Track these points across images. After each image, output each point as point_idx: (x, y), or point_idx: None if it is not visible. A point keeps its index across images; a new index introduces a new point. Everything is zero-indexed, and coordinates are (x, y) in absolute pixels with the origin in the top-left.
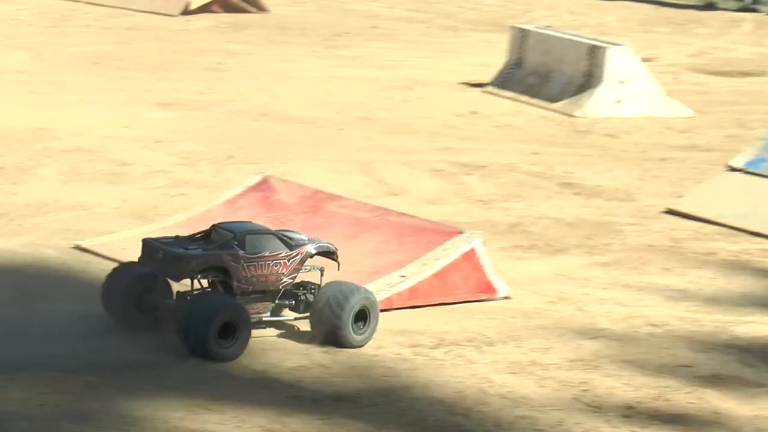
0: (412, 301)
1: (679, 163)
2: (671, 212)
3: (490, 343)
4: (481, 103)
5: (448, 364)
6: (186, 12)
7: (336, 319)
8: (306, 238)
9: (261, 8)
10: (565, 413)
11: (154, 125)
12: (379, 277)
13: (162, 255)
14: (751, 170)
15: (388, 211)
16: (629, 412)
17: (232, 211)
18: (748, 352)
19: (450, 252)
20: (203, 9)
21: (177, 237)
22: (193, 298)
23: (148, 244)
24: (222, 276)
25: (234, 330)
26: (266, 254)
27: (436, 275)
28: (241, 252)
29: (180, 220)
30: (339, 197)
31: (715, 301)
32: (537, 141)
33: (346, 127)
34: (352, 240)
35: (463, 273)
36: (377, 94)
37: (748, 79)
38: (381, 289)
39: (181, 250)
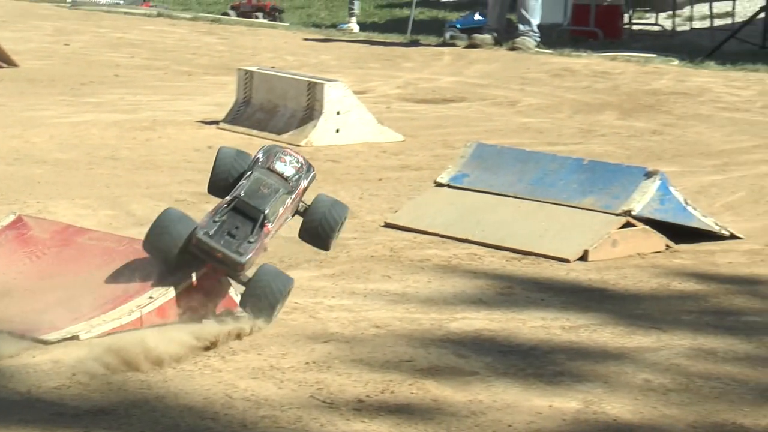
0: (161, 320)
1: (394, 182)
2: (389, 225)
3: (234, 353)
4: (216, 138)
5: (197, 374)
6: None
7: (329, 231)
8: (295, 174)
9: (11, 63)
10: (302, 410)
11: None
12: (130, 299)
13: (222, 256)
14: (454, 185)
15: (133, 240)
16: (360, 405)
17: None
18: (461, 345)
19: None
20: None
21: (215, 219)
22: (261, 269)
23: (204, 243)
24: None
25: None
26: (281, 211)
27: (181, 295)
28: (270, 225)
29: None
30: (88, 230)
31: (430, 301)
32: None
33: (95, 166)
34: (104, 268)
35: (205, 290)
36: (122, 135)
37: (450, 104)
38: (132, 311)
39: (238, 254)
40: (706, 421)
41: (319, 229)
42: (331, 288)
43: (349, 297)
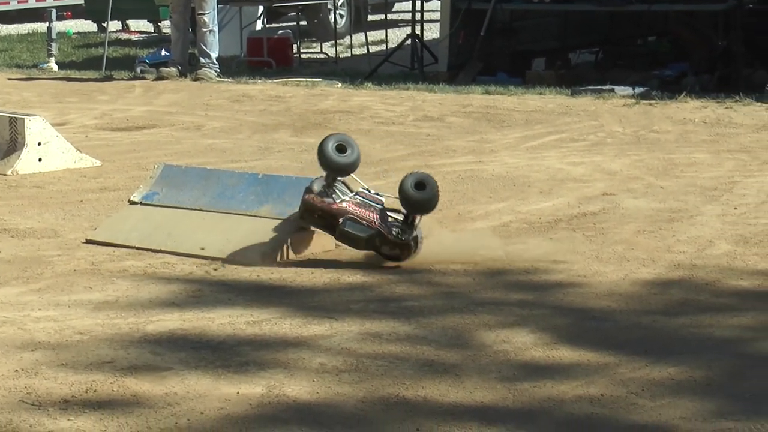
0: None
1: (94, 203)
2: (90, 242)
3: None
4: None
5: None
6: None
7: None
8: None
9: None
10: (13, 414)
11: None
12: None
13: None
14: (146, 202)
15: None
16: (65, 405)
17: None
18: (157, 344)
19: None
20: None
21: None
22: None
23: None
24: None
25: None
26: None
27: None
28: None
29: None
30: None
31: (129, 307)
32: None
33: None
34: None
35: None
36: None
37: (143, 131)
38: None
39: None
40: (374, 395)
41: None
42: (38, 301)
43: (55, 308)
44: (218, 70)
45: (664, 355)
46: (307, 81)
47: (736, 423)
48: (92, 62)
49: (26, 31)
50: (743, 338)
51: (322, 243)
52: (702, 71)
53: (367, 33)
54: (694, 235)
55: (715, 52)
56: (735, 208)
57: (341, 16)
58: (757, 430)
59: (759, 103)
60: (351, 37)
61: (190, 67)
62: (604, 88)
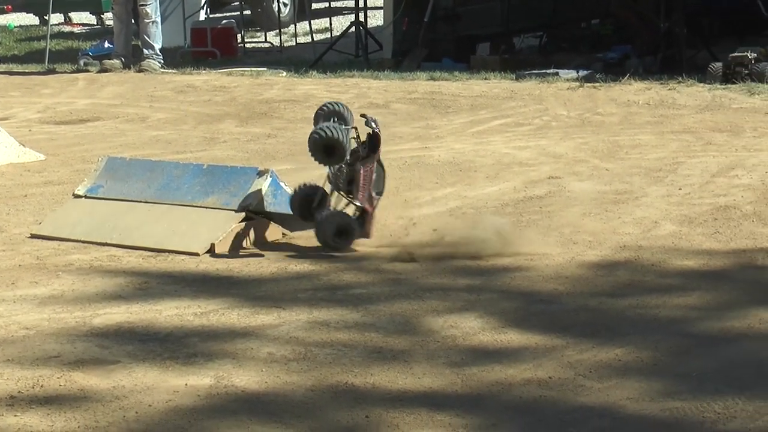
0: None
1: (39, 197)
2: (35, 236)
3: None
4: None
5: None
6: None
7: None
8: None
9: None
10: None
11: None
12: None
13: None
14: (91, 195)
15: None
16: (12, 401)
17: None
18: (104, 338)
19: None
20: None
21: None
22: None
23: None
24: None
25: None
26: None
27: None
28: None
29: None
30: None
31: (76, 301)
32: None
33: None
34: None
35: None
36: None
37: (87, 124)
38: None
39: None
40: (323, 384)
41: None
42: None
43: (0, 304)
44: (162, 61)
45: (611, 336)
46: (251, 70)
47: (682, 402)
48: (35, 55)
49: None
50: (689, 318)
51: (270, 232)
52: (645, 53)
53: (311, 21)
54: (639, 217)
55: (657, 34)
56: (679, 189)
57: (285, 4)
58: (704, 409)
59: (702, 84)
60: (295, 25)
61: (133, 58)
62: (548, 72)
